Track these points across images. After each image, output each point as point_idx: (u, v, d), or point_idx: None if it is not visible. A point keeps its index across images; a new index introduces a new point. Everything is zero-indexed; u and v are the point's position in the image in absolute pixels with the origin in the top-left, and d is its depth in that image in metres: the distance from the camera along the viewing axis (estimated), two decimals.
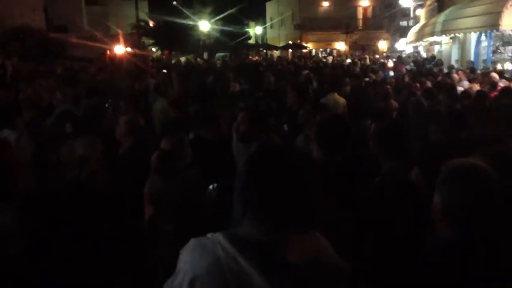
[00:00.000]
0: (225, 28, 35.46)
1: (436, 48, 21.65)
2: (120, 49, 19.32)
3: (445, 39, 17.99)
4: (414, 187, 2.67)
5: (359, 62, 20.38)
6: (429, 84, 8.50)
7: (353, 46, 37.54)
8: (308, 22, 39.03)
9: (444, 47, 20.25)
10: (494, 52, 15.68)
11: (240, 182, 1.60)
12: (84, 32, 24.16)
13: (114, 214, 3.25)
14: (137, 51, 23.59)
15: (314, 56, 35.84)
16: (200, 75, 11.65)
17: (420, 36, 18.58)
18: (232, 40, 35.74)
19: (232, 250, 1.44)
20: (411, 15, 30.72)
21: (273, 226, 1.48)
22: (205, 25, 34.60)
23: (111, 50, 19.52)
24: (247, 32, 44.72)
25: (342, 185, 2.63)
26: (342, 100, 6.74)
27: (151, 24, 34.39)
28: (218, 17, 35.41)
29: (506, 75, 11.01)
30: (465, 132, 4.07)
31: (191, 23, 33.22)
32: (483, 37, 15.33)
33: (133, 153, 4.20)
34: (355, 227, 2.50)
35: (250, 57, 34.49)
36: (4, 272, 2.38)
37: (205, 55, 33.69)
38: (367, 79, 11.13)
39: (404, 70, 15.71)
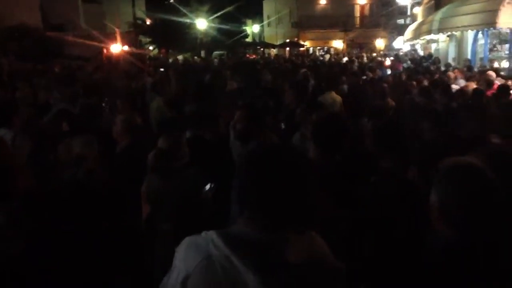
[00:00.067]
0: (222, 26, 35.40)
1: (433, 46, 21.68)
2: (117, 48, 19.30)
3: (442, 37, 18.01)
4: (413, 186, 2.68)
5: (356, 60, 20.40)
6: (425, 82, 8.53)
7: (350, 44, 37.55)
8: (306, 20, 39.02)
9: (441, 45, 20.29)
10: (491, 50, 15.70)
11: (237, 181, 1.60)
12: (81, 30, 24.09)
13: (112, 213, 3.25)
14: (134, 49, 23.57)
15: (311, 54, 35.84)
16: (198, 74, 11.62)
17: (417, 34, 18.60)
18: (229, 39, 35.69)
19: (225, 249, 1.44)
20: (408, 13, 30.79)
21: (270, 225, 1.48)
22: (202, 23, 34.54)
23: (108, 48, 19.49)
24: (244, 30, 44.67)
25: (339, 184, 2.63)
26: (339, 98, 6.75)
27: (148, 22, 34.32)
28: (215, 15, 35.37)
29: (502, 73, 11.05)
30: (456, 130, 4.07)
31: (188, 21, 33.15)
32: (480, 35, 15.35)
33: (130, 152, 4.20)
34: (353, 226, 2.50)
35: (247, 55, 34.48)
36: (4, 272, 2.38)
37: (203, 54, 33.64)
38: (364, 77, 11.14)
39: (401, 68, 15.74)
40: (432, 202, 1.86)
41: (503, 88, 7.14)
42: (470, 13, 12.90)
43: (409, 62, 18.71)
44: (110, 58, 17.64)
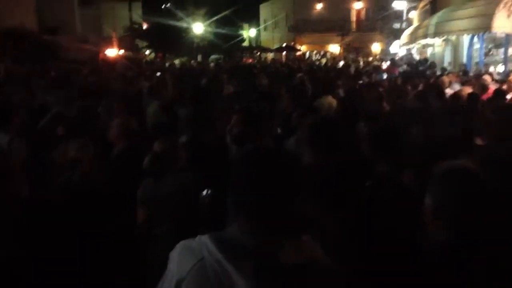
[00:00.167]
0: (219, 30, 35.50)
1: (429, 50, 21.77)
2: (113, 51, 19.29)
3: (438, 41, 18.09)
4: (409, 190, 2.69)
5: (352, 64, 20.46)
6: (420, 86, 8.56)
7: (347, 48, 37.65)
8: (302, 24, 39.11)
9: (437, 49, 20.37)
10: (486, 54, 15.77)
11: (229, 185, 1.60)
12: (77, 34, 24.07)
13: (108, 216, 3.24)
14: (130, 53, 23.57)
15: (308, 58, 35.92)
16: (194, 78, 11.62)
17: (413, 39, 18.67)
18: (226, 43, 35.78)
19: (217, 253, 1.44)
20: (404, 17, 30.87)
21: (263, 229, 1.48)
22: (199, 28, 34.60)
23: (104, 52, 19.47)
24: (241, 35, 44.81)
25: (334, 188, 2.63)
26: (335, 102, 6.76)
27: (144, 26, 34.35)
28: (211, 20, 35.44)
29: (496, 77, 11.10)
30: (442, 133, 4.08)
31: (185, 25, 33.22)
32: (475, 39, 15.42)
33: (126, 156, 4.19)
34: (349, 229, 2.50)
35: (244, 59, 34.54)
36: (2, 276, 2.38)
37: (199, 58, 33.68)
38: (360, 81, 11.16)
39: (397, 73, 15.78)
40: (427, 205, 1.87)
41: (499, 92, 7.17)
42: (466, 18, 12.95)
43: (405, 66, 18.76)
44: (106, 62, 17.62)
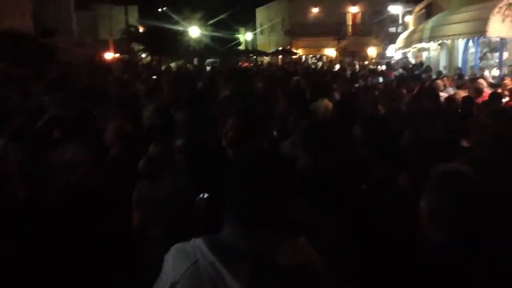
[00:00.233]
0: (215, 34, 35.51)
1: (425, 54, 21.85)
2: (109, 55, 19.27)
3: (433, 45, 18.17)
4: (406, 193, 2.70)
5: (348, 68, 20.52)
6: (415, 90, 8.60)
7: (342, 52, 37.74)
8: (298, 28, 39.18)
9: (433, 53, 20.45)
10: (481, 58, 15.86)
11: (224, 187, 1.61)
12: (73, 37, 24.05)
13: (105, 218, 3.23)
14: (126, 56, 23.56)
15: (304, 62, 36.00)
16: (190, 81, 11.62)
17: (408, 43, 18.75)
18: (222, 46, 35.78)
19: (210, 255, 1.45)
20: (400, 21, 31.02)
21: (256, 231, 1.49)
22: (195, 31, 34.60)
23: (100, 55, 19.46)
24: (237, 38, 44.88)
25: (330, 190, 2.64)
26: (331, 105, 6.76)
27: (141, 29, 34.32)
28: (208, 23, 35.45)
29: (491, 81, 11.17)
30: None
31: (181, 29, 33.21)
32: (470, 43, 15.51)
33: (122, 159, 4.19)
34: (348, 231, 2.51)
35: (240, 63, 34.56)
36: (2, 276, 2.38)
37: (195, 61, 33.68)
38: (357, 85, 11.19)
39: (393, 76, 15.84)
40: (422, 208, 1.88)
41: (494, 96, 7.21)
42: (461, 22, 13.03)
43: (400, 70, 18.83)
44: (103, 65, 17.61)
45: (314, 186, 2.45)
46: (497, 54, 14.52)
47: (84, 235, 2.77)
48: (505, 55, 13.86)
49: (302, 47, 39.77)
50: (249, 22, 49.75)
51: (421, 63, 19.99)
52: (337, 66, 24.08)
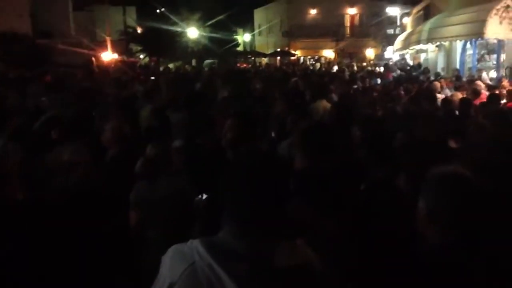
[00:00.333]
0: (214, 35, 35.51)
1: (423, 56, 21.89)
2: (107, 56, 19.26)
3: (431, 47, 18.21)
4: (405, 194, 2.70)
5: (346, 69, 20.54)
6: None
7: (340, 53, 37.80)
8: (296, 30, 39.21)
9: (430, 55, 20.49)
10: (479, 60, 15.90)
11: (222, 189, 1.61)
12: (71, 38, 24.01)
13: (104, 218, 3.23)
14: (124, 57, 23.54)
15: (302, 63, 36.01)
16: (189, 82, 11.61)
17: (406, 44, 18.79)
18: (220, 47, 35.73)
19: (207, 257, 1.45)
20: (398, 23, 31.06)
21: (252, 233, 1.49)
22: (193, 32, 34.60)
23: (98, 56, 19.44)
24: (235, 39, 44.82)
25: (329, 191, 2.64)
26: (329, 106, 6.77)
27: (138, 30, 34.30)
28: (206, 24, 35.45)
29: (489, 82, 11.20)
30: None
31: (179, 29, 33.19)
32: (468, 45, 15.55)
33: (119, 160, 4.19)
34: (347, 232, 2.51)
35: (238, 64, 34.56)
36: (1, 277, 2.38)
37: (194, 62, 33.67)
38: (355, 86, 11.21)
39: (391, 78, 15.87)
40: (420, 209, 1.89)
41: (492, 97, 7.23)
42: (458, 24, 13.07)
43: (398, 71, 18.87)
44: (100, 66, 17.59)
45: (312, 186, 2.45)
46: (494, 56, 14.55)
47: (83, 235, 2.76)
48: (503, 56, 13.89)
49: (300, 49, 39.81)
50: (247, 23, 49.77)
51: (419, 65, 20.03)
52: (335, 68, 24.08)
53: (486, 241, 1.78)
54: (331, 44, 38.26)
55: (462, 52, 16.04)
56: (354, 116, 5.32)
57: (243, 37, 50.14)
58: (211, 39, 35.36)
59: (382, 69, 20.31)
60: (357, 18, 40.58)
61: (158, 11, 36.66)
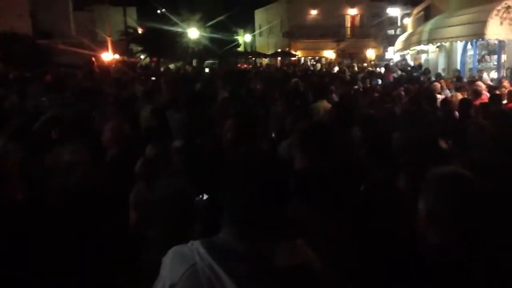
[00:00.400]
0: (214, 35, 35.53)
1: (423, 56, 21.90)
2: (107, 56, 19.27)
3: (431, 47, 18.20)
4: (405, 194, 2.70)
5: (346, 70, 20.54)
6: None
7: (341, 54, 37.81)
8: (297, 30, 39.22)
9: (431, 55, 20.50)
10: (480, 61, 15.90)
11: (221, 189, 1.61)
12: (71, 38, 24.05)
13: (103, 218, 3.23)
14: (125, 58, 23.56)
15: (302, 64, 36.00)
16: (189, 82, 11.62)
17: (407, 45, 18.78)
18: (221, 48, 35.75)
19: (208, 258, 1.44)
20: (399, 23, 31.08)
21: (253, 233, 1.49)
22: (194, 33, 34.62)
23: (98, 56, 19.46)
24: (236, 40, 44.85)
25: (329, 191, 2.64)
26: (329, 107, 6.77)
27: (139, 31, 34.32)
28: (207, 25, 35.47)
29: (489, 83, 11.20)
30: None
31: (180, 30, 33.20)
32: (469, 46, 15.55)
33: (119, 160, 4.18)
34: (347, 232, 2.50)
35: (239, 64, 34.57)
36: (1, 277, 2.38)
37: (194, 62, 33.68)
38: (356, 86, 11.20)
39: (391, 78, 15.87)
40: (420, 210, 1.89)
41: (494, 97, 7.22)
42: (459, 24, 13.06)
43: (399, 72, 18.87)
44: (101, 66, 17.60)
45: (312, 186, 2.45)
46: (495, 57, 14.56)
47: (83, 235, 2.76)
48: (503, 57, 13.89)
49: (301, 49, 39.82)
50: (248, 24, 49.79)
51: (420, 65, 20.04)
52: (336, 68, 24.08)
53: (486, 241, 1.78)
54: (331, 44, 38.29)
55: (463, 53, 16.05)
56: (353, 116, 5.33)
57: (244, 38, 50.17)
58: (211, 39, 35.38)
59: (382, 69, 20.31)
60: (357, 18, 40.62)
61: (158, 11, 36.70)
